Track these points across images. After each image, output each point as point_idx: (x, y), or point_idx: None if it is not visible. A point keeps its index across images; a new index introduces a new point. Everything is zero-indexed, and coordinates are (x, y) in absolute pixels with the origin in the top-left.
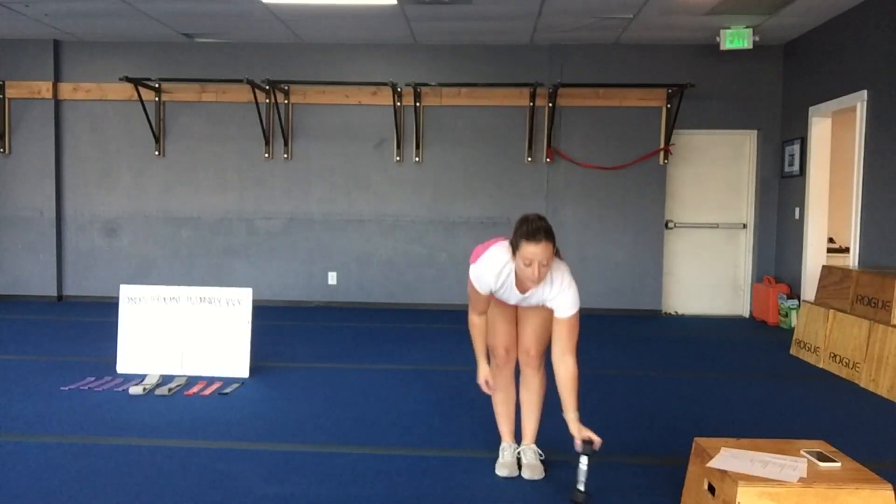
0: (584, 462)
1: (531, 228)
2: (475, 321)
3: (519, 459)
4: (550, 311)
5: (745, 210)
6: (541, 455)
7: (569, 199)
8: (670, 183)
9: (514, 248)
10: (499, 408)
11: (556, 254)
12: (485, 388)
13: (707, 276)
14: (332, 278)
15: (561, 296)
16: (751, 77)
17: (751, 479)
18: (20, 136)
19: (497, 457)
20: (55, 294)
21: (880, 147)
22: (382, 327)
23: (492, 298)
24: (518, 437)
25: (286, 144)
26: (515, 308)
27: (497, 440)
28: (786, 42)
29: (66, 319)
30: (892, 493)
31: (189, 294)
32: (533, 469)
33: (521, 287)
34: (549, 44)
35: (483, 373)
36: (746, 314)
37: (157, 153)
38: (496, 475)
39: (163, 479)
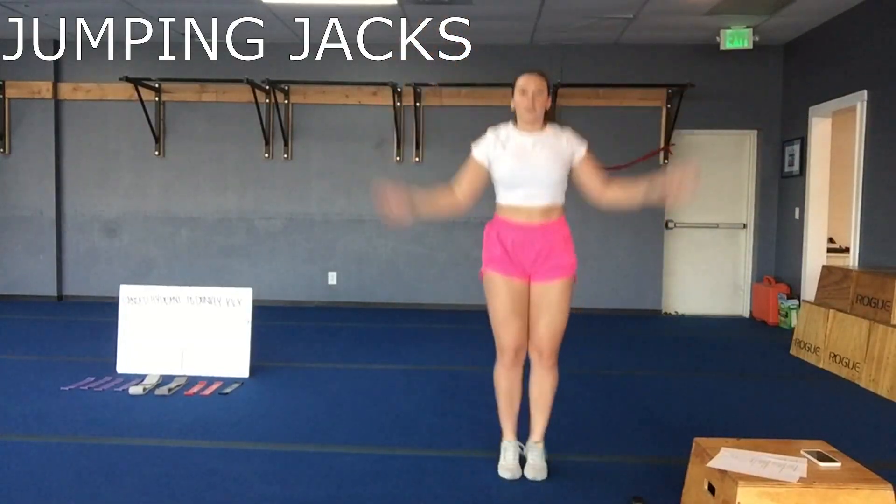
0: None
1: (529, 70)
2: (451, 187)
3: (521, 458)
4: (566, 296)
5: (745, 210)
6: (546, 457)
7: (569, 198)
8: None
9: (513, 86)
10: (503, 404)
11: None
12: (387, 208)
13: (707, 276)
14: (332, 278)
15: (570, 137)
16: (751, 77)
17: (751, 479)
18: (20, 136)
19: (498, 457)
20: (55, 294)
21: (880, 147)
22: (382, 327)
23: (478, 182)
24: (522, 435)
25: (286, 144)
26: (527, 301)
27: (497, 439)
28: (786, 42)
29: (66, 319)
30: (892, 493)
31: (189, 294)
32: (537, 470)
33: (526, 125)
34: (549, 44)
35: (395, 189)
36: (746, 314)
37: (157, 153)
38: (498, 476)
39: (163, 479)
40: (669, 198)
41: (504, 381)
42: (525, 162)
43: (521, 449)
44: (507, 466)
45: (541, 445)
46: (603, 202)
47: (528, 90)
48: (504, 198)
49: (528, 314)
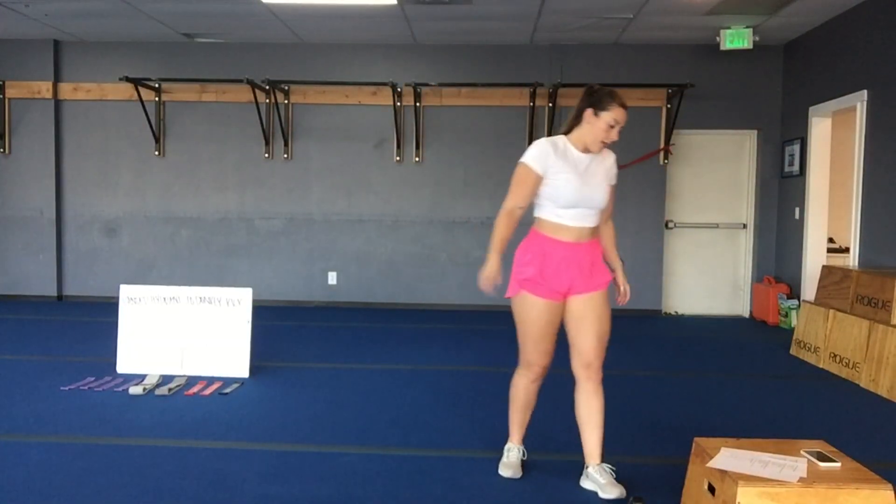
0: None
1: (618, 95)
2: (513, 212)
3: (523, 462)
4: (608, 305)
5: (745, 210)
6: (613, 471)
7: None
8: (670, 183)
9: (599, 109)
10: (517, 414)
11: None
12: (487, 288)
13: (707, 276)
14: (332, 278)
15: (613, 162)
16: (751, 77)
17: (751, 479)
18: (20, 136)
19: (500, 456)
20: (55, 294)
21: (880, 147)
22: (382, 327)
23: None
24: (532, 443)
25: (286, 144)
26: (560, 319)
27: (497, 439)
28: (786, 42)
29: (66, 319)
30: (892, 493)
31: (189, 294)
32: (614, 486)
33: (588, 149)
34: (549, 44)
35: (493, 269)
36: (746, 314)
37: (157, 153)
38: (499, 476)
39: (163, 479)
40: (618, 297)
41: (523, 394)
42: (587, 181)
43: (524, 454)
44: (508, 464)
45: (604, 465)
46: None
47: (616, 126)
48: (553, 214)
49: (556, 332)
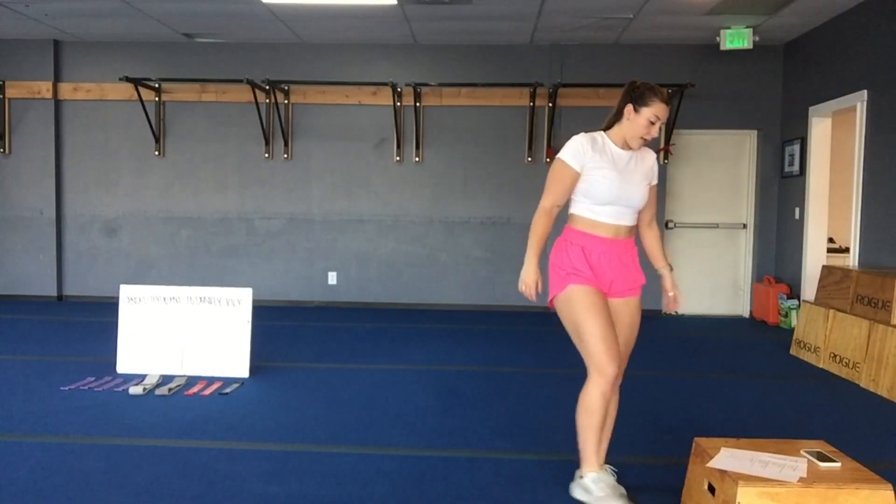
0: None
1: (659, 90)
2: (551, 211)
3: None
4: (640, 312)
5: (745, 210)
6: (615, 472)
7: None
8: (670, 183)
9: (640, 105)
10: (592, 434)
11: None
12: (530, 293)
13: (707, 276)
14: (332, 278)
15: (654, 161)
16: (751, 77)
17: (751, 479)
18: (20, 136)
19: (578, 488)
20: (55, 294)
21: (880, 147)
22: (382, 327)
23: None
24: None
25: (286, 144)
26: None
27: (497, 439)
28: (786, 42)
29: (66, 319)
30: (892, 493)
31: (189, 294)
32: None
33: (628, 146)
34: (549, 44)
35: (533, 271)
36: (746, 314)
37: (157, 153)
38: (499, 476)
39: (163, 479)
40: (665, 304)
41: (601, 407)
42: (627, 179)
43: (615, 472)
44: (613, 493)
45: (607, 466)
46: (644, 227)
47: (657, 122)
48: (590, 211)
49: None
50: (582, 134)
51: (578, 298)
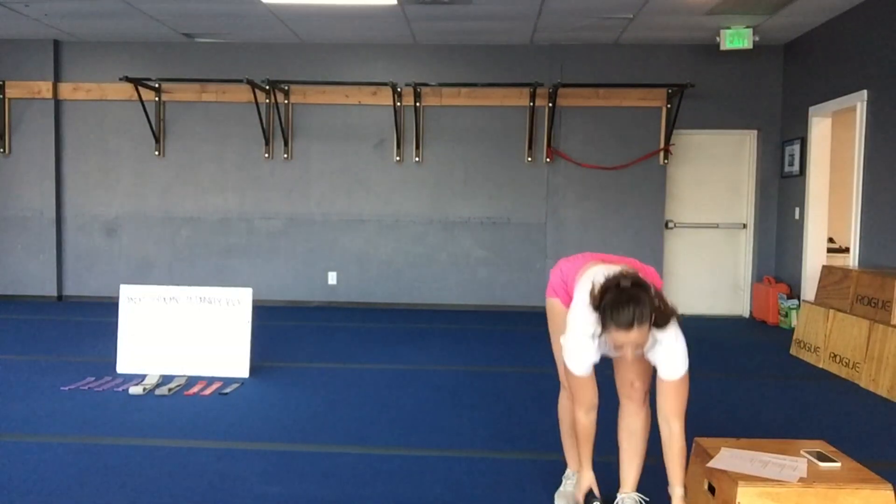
0: None
1: (620, 312)
2: (581, 420)
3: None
4: None
5: (745, 210)
6: (645, 501)
7: (569, 199)
8: (670, 183)
9: (602, 326)
10: (564, 437)
11: (661, 313)
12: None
13: (707, 276)
14: (332, 278)
15: (666, 353)
16: (751, 77)
17: (751, 479)
18: (20, 136)
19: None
20: (55, 294)
21: (880, 147)
22: (382, 327)
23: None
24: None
25: (286, 144)
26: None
27: (496, 440)
28: (786, 42)
29: (66, 319)
30: (892, 493)
31: (189, 294)
32: None
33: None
34: (549, 44)
35: (587, 483)
36: (746, 314)
37: (157, 153)
38: (498, 475)
39: (163, 479)
40: None
41: (570, 414)
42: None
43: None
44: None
45: (635, 495)
46: (658, 419)
47: (626, 346)
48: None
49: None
50: (581, 327)
51: (572, 370)
